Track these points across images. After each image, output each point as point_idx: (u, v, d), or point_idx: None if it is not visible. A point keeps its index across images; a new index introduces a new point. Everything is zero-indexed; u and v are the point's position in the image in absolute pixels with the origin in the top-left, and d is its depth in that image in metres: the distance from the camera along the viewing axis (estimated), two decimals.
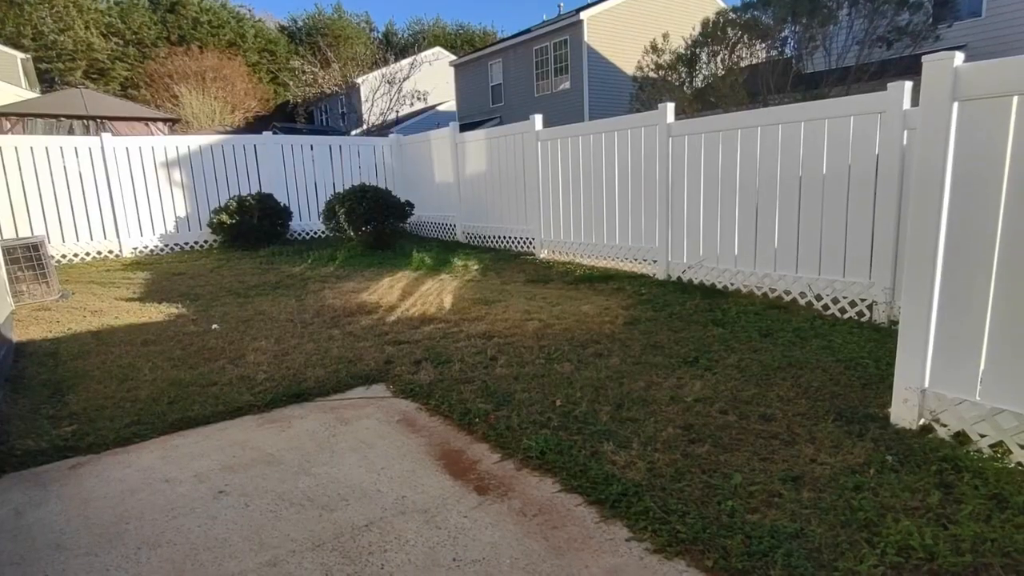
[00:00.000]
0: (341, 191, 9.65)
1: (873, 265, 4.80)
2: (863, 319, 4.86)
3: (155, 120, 13.24)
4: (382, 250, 9.37)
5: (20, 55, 23.94)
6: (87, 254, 9.56)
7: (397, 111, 27.68)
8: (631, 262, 7.16)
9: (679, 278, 6.48)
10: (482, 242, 9.95)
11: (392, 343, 4.70)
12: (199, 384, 3.91)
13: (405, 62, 27.26)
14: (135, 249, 9.94)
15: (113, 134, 11.12)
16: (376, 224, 9.28)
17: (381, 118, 26.38)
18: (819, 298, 5.20)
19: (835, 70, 12.74)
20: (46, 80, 31.95)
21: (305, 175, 11.42)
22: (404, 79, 25.53)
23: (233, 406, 3.55)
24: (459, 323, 5.22)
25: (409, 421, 3.32)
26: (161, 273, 8.41)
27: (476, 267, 7.99)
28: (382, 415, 3.42)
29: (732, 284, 5.90)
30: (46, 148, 9.17)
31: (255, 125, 26.92)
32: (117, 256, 9.76)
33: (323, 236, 11.18)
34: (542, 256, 8.53)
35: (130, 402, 3.65)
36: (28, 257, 6.38)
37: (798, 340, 4.33)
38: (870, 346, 4.12)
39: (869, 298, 4.84)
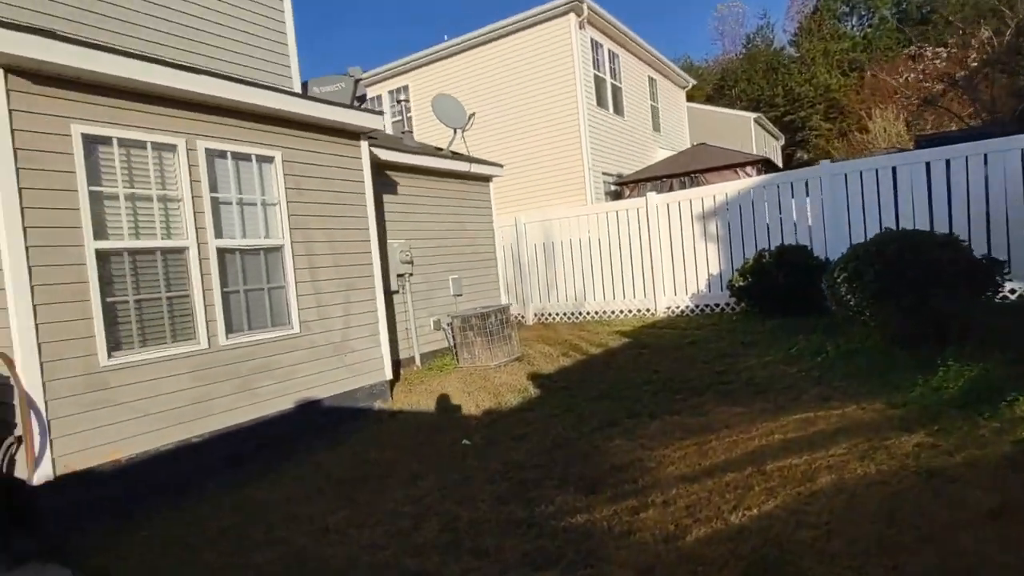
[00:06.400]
0: (861, 243, 5.99)
1: None
2: None
3: (744, 165, 12.10)
4: (920, 347, 5.18)
5: (752, 115, 27.27)
6: (629, 311, 9.84)
7: None
8: None
9: None
10: None
11: None
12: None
13: None
14: (668, 308, 9.47)
15: (701, 184, 11.08)
16: (912, 300, 5.22)
17: None
18: None
19: None
20: (789, 129, 35.17)
21: (895, 214, 7.77)
22: None
23: None
24: None
25: None
26: (636, 343, 7.64)
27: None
28: None
29: None
30: (606, 214, 10.02)
31: None
32: (652, 313, 9.58)
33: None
34: None
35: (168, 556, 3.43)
36: (481, 325, 7.11)
37: None
38: None
39: None
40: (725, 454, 3.56)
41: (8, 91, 3.49)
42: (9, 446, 3.55)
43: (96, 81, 3.85)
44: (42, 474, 3.50)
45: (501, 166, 9.44)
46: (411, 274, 7.48)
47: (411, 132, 9.41)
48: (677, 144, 17.83)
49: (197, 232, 4.38)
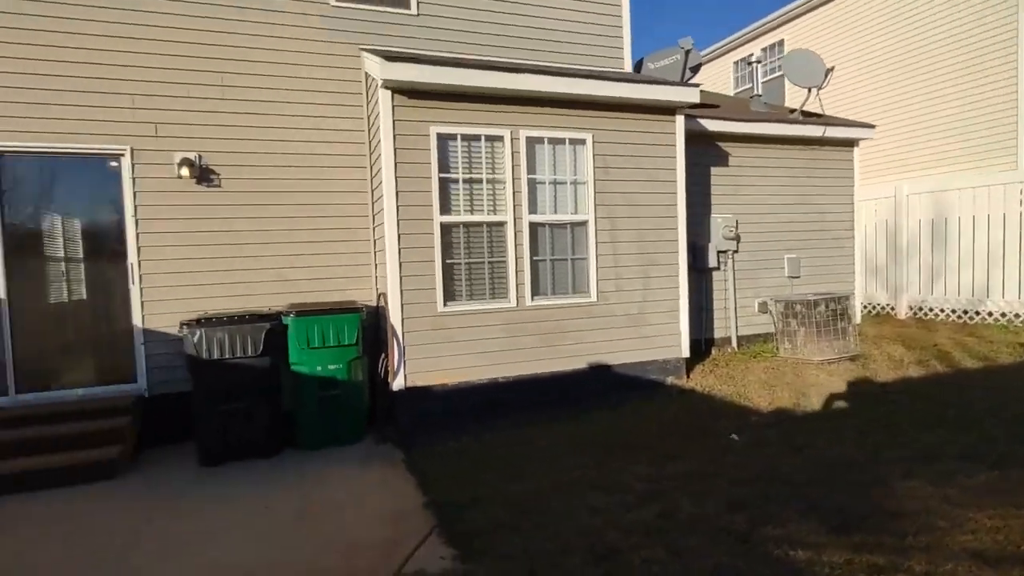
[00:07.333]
0: None
1: None
2: None
3: None
4: None
5: None
6: None
7: None
8: None
9: None
10: None
11: None
12: None
13: None
14: None
15: None
16: None
17: None
18: None
19: None
20: None
21: None
22: None
23: None
24: None
25: None
26: (998, 366, 5.61)
27: None
28: None
29: None
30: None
31: None
32: None
33: None
34: None
35: None
36: (806, 313, 6.28)
37: None
38: None
39: None
40: None
41: (393, 106, 4.81)
42: (383, 359, 5.06)
43: (446, 91, 4.92)
44: (397, 384, 4.87)
45: (871, 127, 7.86)
46: (735, 251, 7.08)
47: (760, 96, 8.62)
48: None
49: (514, 209, 5.20)
